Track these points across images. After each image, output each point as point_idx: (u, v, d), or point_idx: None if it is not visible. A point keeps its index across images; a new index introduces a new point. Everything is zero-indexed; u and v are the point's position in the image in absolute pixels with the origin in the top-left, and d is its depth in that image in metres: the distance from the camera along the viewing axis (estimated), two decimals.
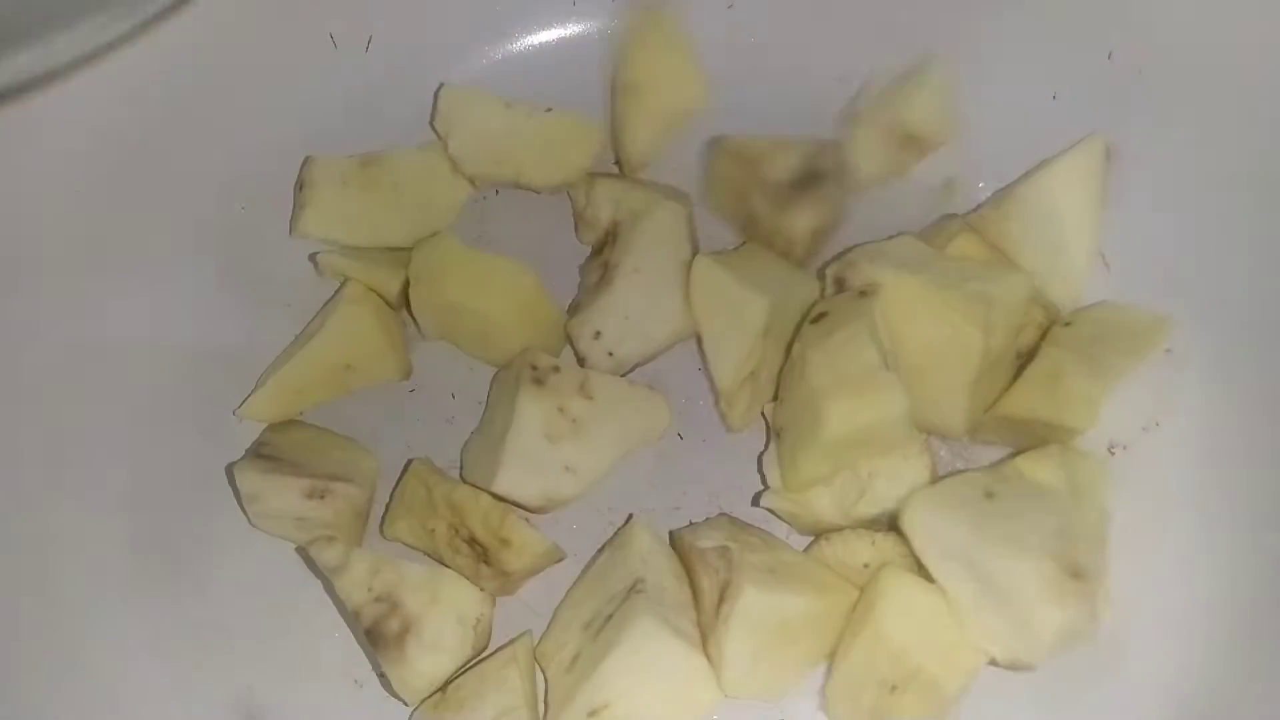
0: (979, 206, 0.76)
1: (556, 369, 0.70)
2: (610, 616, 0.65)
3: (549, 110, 0.78)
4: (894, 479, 0.65)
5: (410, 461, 0.71)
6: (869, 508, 0.66)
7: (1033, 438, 0.68)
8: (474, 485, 0.69)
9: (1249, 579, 0.67)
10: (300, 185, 0.77)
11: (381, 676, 0.67)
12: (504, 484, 0.68)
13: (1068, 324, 0.71)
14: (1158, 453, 0.71)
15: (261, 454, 0.71)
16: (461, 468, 0.73)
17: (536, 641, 0.69)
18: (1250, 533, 0.67)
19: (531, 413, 0.69)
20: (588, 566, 0.70)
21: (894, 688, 0.61)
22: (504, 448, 0.68)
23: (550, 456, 0.69)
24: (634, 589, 0.65)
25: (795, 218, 0.73)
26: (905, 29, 0.78)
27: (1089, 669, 0.67)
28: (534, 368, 0.69)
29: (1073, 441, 0.69)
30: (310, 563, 0.68)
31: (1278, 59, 0.67)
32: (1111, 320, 0.71)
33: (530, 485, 0.68)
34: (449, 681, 0.65)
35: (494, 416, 0.72)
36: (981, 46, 0.77)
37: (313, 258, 0.77)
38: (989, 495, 0.62)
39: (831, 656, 0.65)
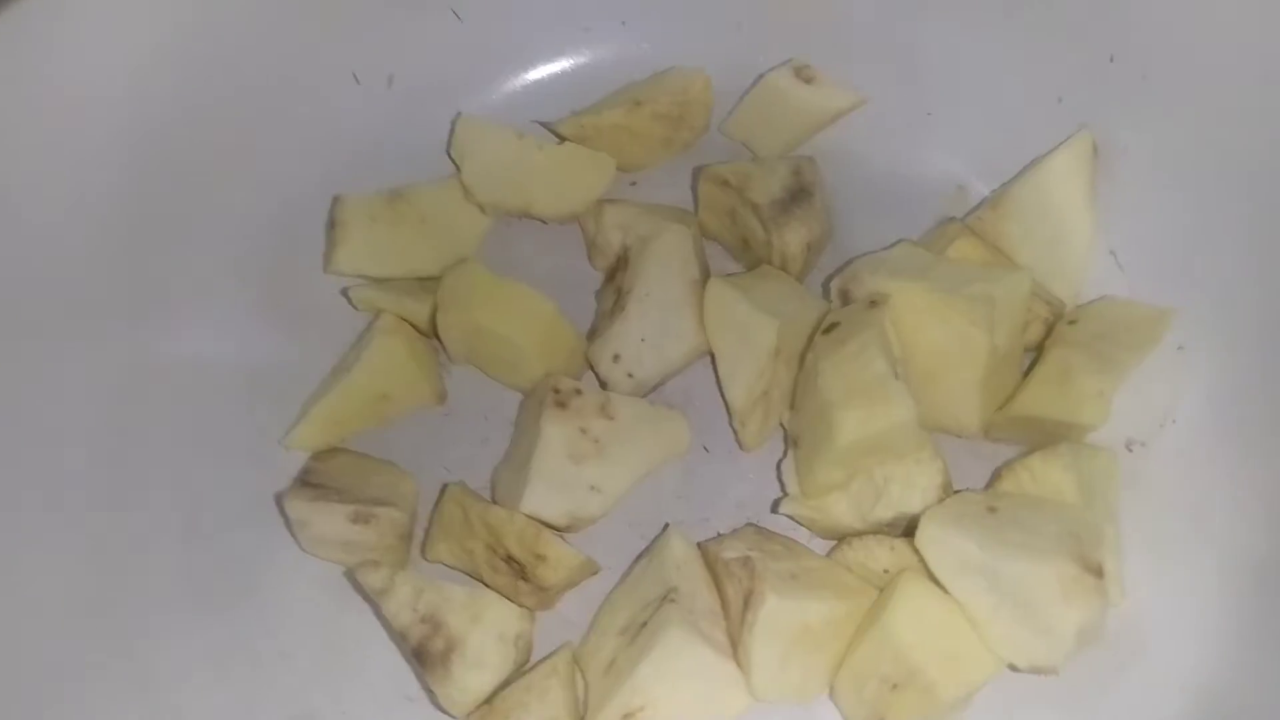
0: (976, 208, 0.78)
1: (578, 391, 0.72)
2: (645, 624, 0.67)
3: (561, 142, 0.80)
4: (908, 483, 0.67)
5: (445, 486, 0.73)
6: (885, 511, 0.68)
7: (1046, 436, 0.70)
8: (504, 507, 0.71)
9: (1269, 572, 0.67)
10: (331, 224, 0.79)
11: (430, 693, 0.69)
12: (531, 504, 0.70)
13: (1073, 322, 0.72)
14: (1175, 448, 0.72)
15: (308, 482, 0.73)
16: (492, 491, 0.75)
17: (576, 645, 0.71)
18: (1269, 524, 0.68)
19: (555, 435, 0.70)
20: (626, 573, 0.72)
21: (895, 686, 0.63)
22: (530, 469, 0.70)
23: (575, 477, 0.71)
24: (667, 597, 0.67)
25: (789, 235, 0.75)
26: (908, 34, 0.80)
27: (1109, 664, 0.68)
28: (556, 391, 0.71)
29: (1085, 438, 0.70)
30: (358, 585, 0.70)
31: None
32: (1116, 316, 0.72)
33: (556, 505, 0.70)
34: (494, 694, 0.67)
35: (520, 440, 0.74)
36: (987, 51, 0.78)
37: (345, 292, 0.79)
38: (991, 510, 0.64)
39: None
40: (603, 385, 0.76)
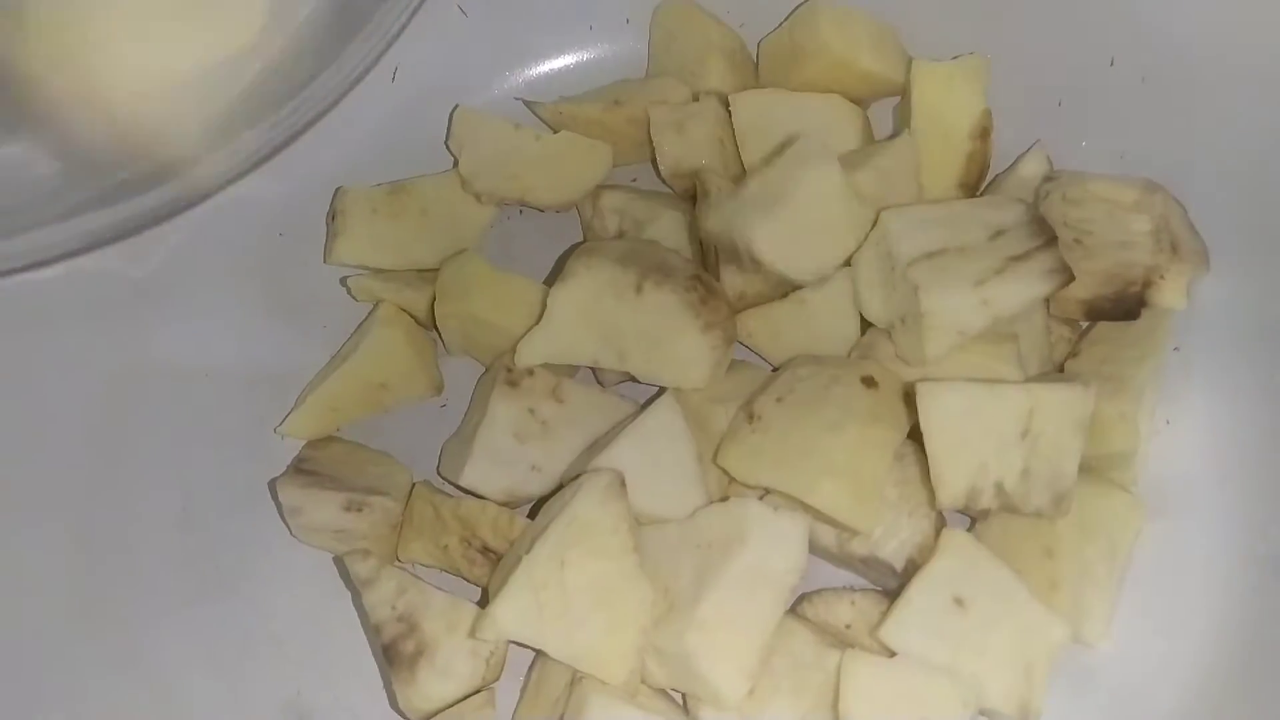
0: None
1: (531, 373, 0.71)
2: (562, 716, 0.65)
3: (557, 132, 0.80)
4: (890, 531, 0.66)
5: (414, 485, 0.73)
6: (860, 548, 0.67)
7: (1098, 472, 0.68)
8: (444, 478, 0.72)
9: (1261, 574, 0.67)
10: (332, 215, 0.80)
11: (390, 692, 0.69)
12: (471, 478, 0.70)
13: (1075, 355, 0.71)
14: (1170, 452, 0.71)
15: (302, 469, 0.74)
16: (439, 463, 0.75)
17: None
18: (1265, 527, 0.68)
19: (503, 412, 0.70)
20: (520, 696, 0.70)
21: None
22: (474, 444, 0.70)
23: (518, 455, 0.70)
24: (573, 681, 0.66)
25: (725, 277, 0.72)
26: (905, 38, 0.79)
27: (1099, 665, 0.68)
28: (509, 370, 0.71)
29: (1133, 464, 0.68)
30: (345, 573, 0.71)
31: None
32: (1115, 335, 0.70)
33: (496, 480, 0.70)
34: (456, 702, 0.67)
35: (472, 414, 0.74)
36: (986, 55, 0.76)
37: (345, 282, 0.79)
38: (958, 603, 0.63)
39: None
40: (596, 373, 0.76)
